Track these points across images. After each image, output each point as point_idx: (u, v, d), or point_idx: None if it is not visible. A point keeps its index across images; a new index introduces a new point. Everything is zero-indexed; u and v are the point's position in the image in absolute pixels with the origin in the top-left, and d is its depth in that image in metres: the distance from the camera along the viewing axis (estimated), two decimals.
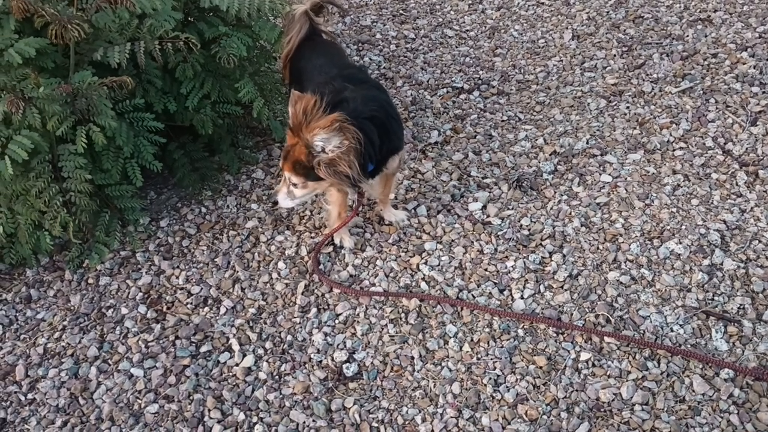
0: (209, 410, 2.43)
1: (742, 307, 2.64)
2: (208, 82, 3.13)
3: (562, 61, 4.31)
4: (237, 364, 2.59)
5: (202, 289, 2.89)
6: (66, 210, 2.72)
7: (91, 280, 2.95)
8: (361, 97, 2.64)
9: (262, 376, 2.55)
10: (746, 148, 3.40)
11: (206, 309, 2.81)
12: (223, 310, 2.80)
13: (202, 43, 2.96)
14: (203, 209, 3.29)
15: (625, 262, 2.87)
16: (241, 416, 2.41)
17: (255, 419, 2.41)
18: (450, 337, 2.63)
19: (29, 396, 2.52)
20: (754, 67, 3.93)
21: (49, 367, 2.62)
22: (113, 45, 2.71)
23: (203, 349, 2.65)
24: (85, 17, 2.58)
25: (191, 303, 2.84)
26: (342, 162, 2.47)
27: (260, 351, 2.64)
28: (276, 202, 2.82)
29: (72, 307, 2.85)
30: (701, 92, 3.82)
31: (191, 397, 2.48)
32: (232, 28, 3.08)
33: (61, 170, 2.68)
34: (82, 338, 2.72)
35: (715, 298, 2.69)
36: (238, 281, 2.92)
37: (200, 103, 3.12)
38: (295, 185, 2.68)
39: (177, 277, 2.95)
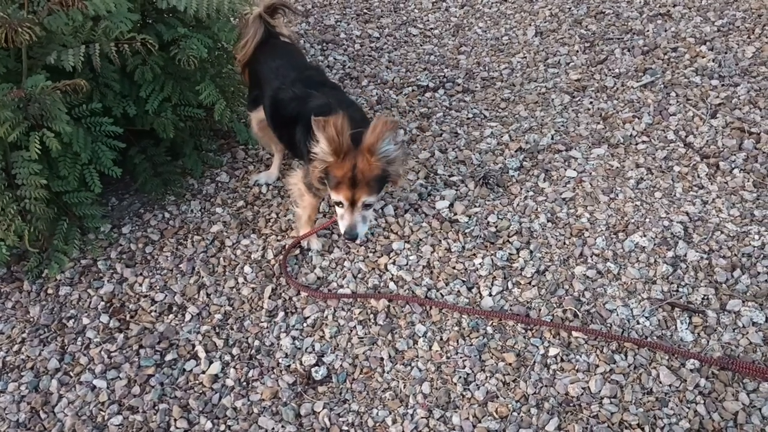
0: (175, 420, 2.38)
1: (706, 297, 2.68)
2: (169, 84, 3.06)
3: (525, 57, 4.33)
4: (203, 372, 2.54)
5: (166, 296, 2.83)
6: (21, 218, 2.64)
7: (50, 291, 2.87)
8: (338, 104, 2.64)
9: (230, 382, 2.50)
10: (707, 141, 3.45)
11: (171, 316, 2.76)
12: (188, 317, 2.75)
13: (161, 45, 2.90)
14: (166, 214, 3.23)
15: (591, 257, 2.89)
16: (209, 425, 2.37)
17: (223, 427, 2.36)
18: (419, 337, 2.61)
19: None
20: (713, 61, 4.00)
21: (8, 381, 2.54)
22: (67, 48, 2.63)
23: (168, 357, 2.60)
24: (37, 20, 2.50)
25: (155, 311, 2.78)
26: (399, 155, 2.51)
27: (227, 357, 2.59)
28: (355, 237, 2.64)
29: (31, 319, 2.76)
30: (662, 86, 3.87)
31: (156, 407, 2.42)
32: (191, 29, 3.02)
33: (14, 177, 2.60)
34: (42, 350, 2.64)
35: (680, 289, 2.72)
36: (203, 287, 2.87)
37: (161, 106, 3.05)
38: (368, 206, 2.60)
39: (140, 285, 2.88)
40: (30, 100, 2.49)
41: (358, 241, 2.95)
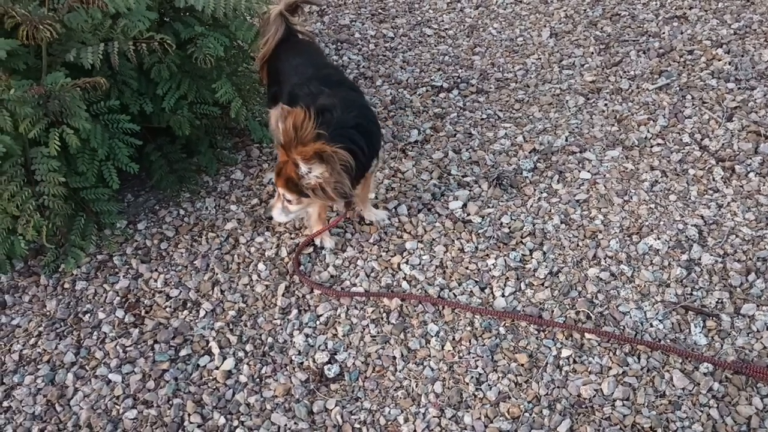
0: (189, 415, 2.40)
1: (720, 301, 2.66)
2: (185, 82, 3.09)
3: (540, 59, 4.32)
4: (217, 368, 2.56)
5: (180, 292, 2.86)
6: (39, 214, 2.67)
7: (67, 285, 2.90)
8: (341, 104, 2.61)
9: (243, 379, 2.52)
10: (722, 144, 3.43)
11: (185, 312, 2.78)
12: (202, 313, 2.77)
13: (179, 44, 2.93)
14: (181, 211, 3.25)
15: (604, 259, 2.88)
16: (222, 420, 2.39)
17: (236, 423, 2.38)
18: (431, 337, 2.62)
19: (5, 404, 2.47)
20: (730, 63, 3.98)
21: (25, 373, 2.57)
22: (86, 46, 2.66)
23: (182, 352, 2.62)
24: (57, 17, 2.53)
25: (170, 306, 2.80)
26: (329, 185, 2.47)
27: (240, 354, 2.61)
28: (272, 217, 2.83)
29: (48, 313, 2.80)
30: (678, 89, 3.86)
31: (170, 402, 2.45)
32: (208, 28, 3.05)
33: (34, 173, 2.63)
34: (59, 344, 2.67)
35: (694, 292, 2.71)
36: (217, 284, 2.89)
37: (177, 104, 3.08)
38: (289, 201, 2.66)
39: (155, 281, 2.91)
40: (50, 97, 2.52)
41: (277, 222, 3.04)
